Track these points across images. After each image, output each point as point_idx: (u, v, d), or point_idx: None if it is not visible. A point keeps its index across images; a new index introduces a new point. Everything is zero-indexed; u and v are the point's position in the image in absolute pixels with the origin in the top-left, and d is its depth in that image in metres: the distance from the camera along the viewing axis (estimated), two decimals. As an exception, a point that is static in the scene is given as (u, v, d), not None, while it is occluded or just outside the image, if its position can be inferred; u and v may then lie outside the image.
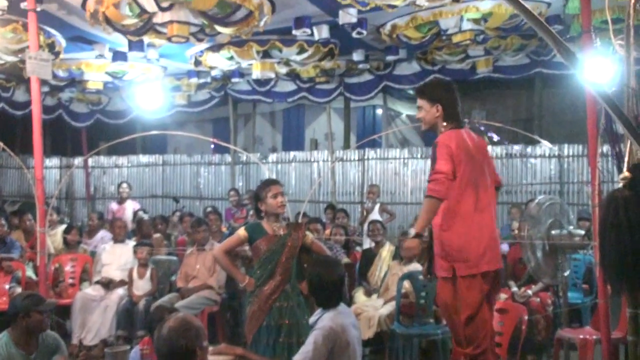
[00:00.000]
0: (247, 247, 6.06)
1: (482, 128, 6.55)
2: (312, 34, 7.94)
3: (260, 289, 4.67)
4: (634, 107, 3.01)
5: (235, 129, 13.45)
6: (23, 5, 6.33)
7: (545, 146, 10.30)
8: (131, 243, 7.87)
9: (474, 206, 4.02)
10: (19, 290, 6.97)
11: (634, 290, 2.90)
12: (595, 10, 5.84)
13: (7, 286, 7.24)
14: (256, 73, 9.28)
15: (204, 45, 8.63)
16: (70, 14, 7.51)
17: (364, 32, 7.68)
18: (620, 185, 2.76)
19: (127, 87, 11.48)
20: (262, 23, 7.23)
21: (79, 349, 7.07)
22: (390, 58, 9.72)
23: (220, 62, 9.24)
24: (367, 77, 10.99)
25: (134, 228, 9.38)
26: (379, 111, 14.23)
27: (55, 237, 8.70)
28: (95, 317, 7.15)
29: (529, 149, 10.95)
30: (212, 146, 14.07)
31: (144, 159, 14.76)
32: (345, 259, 7.55)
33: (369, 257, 7.39)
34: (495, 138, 7.51)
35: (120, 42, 8.32)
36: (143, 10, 6.70)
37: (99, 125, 13.20)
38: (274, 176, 12.17)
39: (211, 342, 3.22)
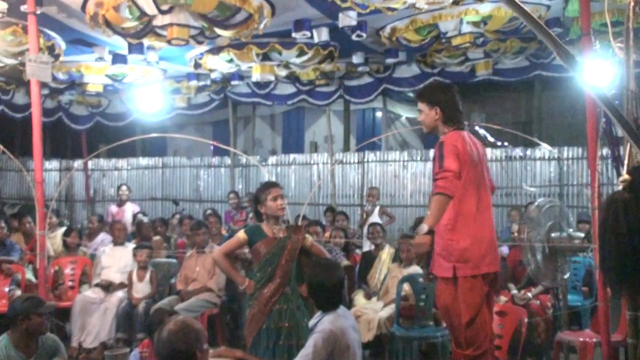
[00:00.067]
0: (246, 250, 6.06)
1: (481, 131, 6.56)
2: (311, 37, 7.95)
3: (260, 291, 4.67)
4: (634, 110, 3.02)
5: (235, 131, 13.46)
6: (23, 8, 6.33)
7: (544, 149, 10.31)
8: (131, 246, 7.87)
9: (477, 207, 4.05)
10: (18, 292, 6.97)
11: (633, 292, 2.90)
12: (594, 13, 5.86)
13: (6, 289, 7.23)
14: (256, 76, 9.29)
15: (203, 48, 8.64)
16: (70, 16, 7.52)
17: (364, 34, 7.69)
18: (620, 187, 2.76)
19: (127, 90, 11.49)
20: (261, 26, 7.24)
21: (79, 351, 7.06)
22: (389, 61, 9.73)
23: (220, 64, 9.25)
24: (367, 79, 11.00)
25: (134, 231, 9.37)
26: (379, 114, 14.24)
27: (54, 240, 8.70)
28: (94, 320, 7.15)
29: (528, 152, 10.96)
30: (212, 149, 14.07)
31: (143, 161, 14.76)
32: (344, 262, 7.55)
33: (369, 259, 7.39)
34: (491, 138, 7.52)
35: (120, 44, 8.33)
36: (143, 13, 6.70)
37: (99, 128, 13.21)
38: (273, 179, 12.17)
39: (211, 345, 3.22)
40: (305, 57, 8.75)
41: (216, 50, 8.70)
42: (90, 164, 14.62)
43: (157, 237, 8.60)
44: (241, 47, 8.45)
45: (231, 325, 7.53)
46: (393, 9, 6.75)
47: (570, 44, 7.69)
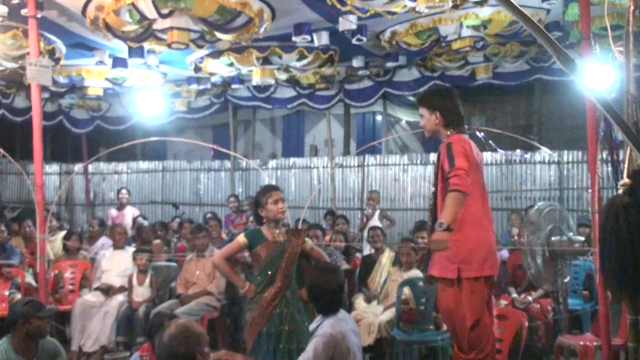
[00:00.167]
0: (246, 254, 6.06)
1: (481, 135, 6.56)
2: (312, 41, 7.96)
3: (260, 295, 4.67)
4: (634, 114, 3.02)
5: (235, 135, 13.46)
6: (23, 11, 6.35)
7: (545, 152, 10.31)
8: (131, 249, 7.87)
9: (482, 210, 4.10)
10: (18, 296, 6.96)
11: (634, 296, 2.90)
12: (594, 16, 5.87)
13: (6, 292, 7.23)
14: (256, 79, 9.30)
15: (204, 52, 8.65)
16: (70, 20, 7.54)
17: (364, 38, 7.70)
18: (620, 191, 2.76)
19: (127, 94, 11.51)
20: (262, 29, 7.25)
21: (79, 355, 7.07)
22: (390, 64, 9.74)
23: (220, 68, 9.27)
24: (367, 83, 11.02)
25: (134, 234, 9.37)
26: (379, 117, 14.24)
27: (54, 244, 8.70)
28: (94, 324, 7.14)
29: (528, 155, 10.96)
30: (212, 152, 14.06)
31: (143, 165, 14.75)
32: (345, 265, 7.54)
33: (369, 263, 7.39)
34: (493, 144, 7.52)
35: (121, 48, 8.34)
36: (143, 17, 6.72)
37: (99, 132, 13.22)
38: (273, 182, 12.16)
39: (211, 349, 3.22)
40: (305, 61, 8.76)
41: (216, 54, 8.71)
42: (90, 167, 14.61)
43: (157, 241, 8.59)
44: (241, 51, 8.47)
45: (231, 328, 7.52)
46: (393, 13, 6.76)
47: (570, 47, 7.70)
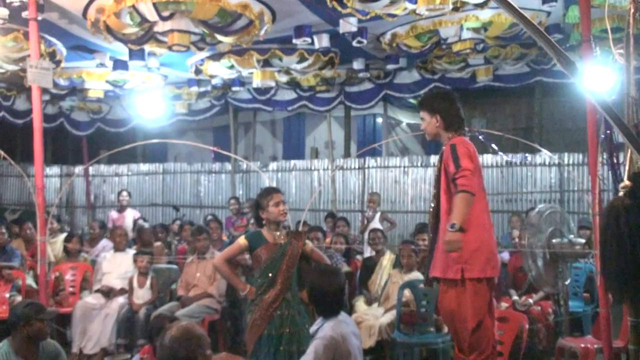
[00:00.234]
0: (247, 256, 6.06)
1: (482, 138, 6.57)
2: (312, 43, 7.97)
3: (261, 297, 4.66)
4: (634, 116, 3.02)
5: (235, 137, 13.46)
6: (24, 14, 6.35)
7: (545, 155, 10.30)
8: (131, 252, 7.87)
9: (484, 211, 4.13)
10: (19, 298, 6.96)
11: (635, 298, 2.89)
12: (595, 19, 5.86)
13: (7, 295, 7.22)
14: (256, 82, 9.31)
15: (204, 54, 8.66)
16: (71, 22, 7.54)
17: (364, 41, 7.70)
18: (621, 194, 2.76)
19: (127, 96, 11.52)
20: (262, 32, 7.26)
21: (79, 357, 7.06)
22: (390, 67, 9.75)
23: (220, 70, 9.27)
24: (368, 85, 11.03)
25: (135, 237, 9.37)
26: (379, 120, 14.24)
27: (55, 246, 8.70)
28: (95, 326, 7.14)
29: (529, 158, 10.95)
30: (213, 155, 14.06)
31: (144, 167, 14.75)
32: (345, 268, 7.54)
33: (370, 265, 7.39)
34: (495, 147, 7.53)
35: (121, 50, 8.35)
36: (144, 19, 6.73)
37: (100, 134, 13.23)
38: (274, 185, 12.16)
39: (212, 351, 3.21)
40: (306, 63, 8.77)
41: (217, 57, 8.72)
42: (91, 169, 14.62)
43: (157, 243, 8.59)
44: (242, 53, 8.47)
45: (232, 331, 7.51)
46: (393, 15, 6.76)
47: (570, 50, 7.71)
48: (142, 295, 7.30)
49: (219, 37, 7.32)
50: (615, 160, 4.05)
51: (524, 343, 5.07)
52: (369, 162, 12.41)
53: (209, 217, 10.22)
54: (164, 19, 6.64)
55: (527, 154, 10.84)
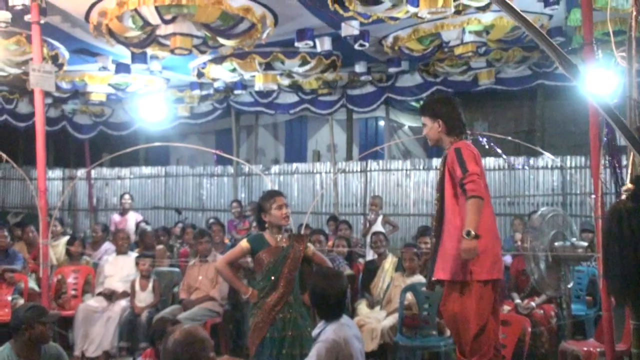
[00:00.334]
0: (249, 259, 6.06)
1: (485, 141, 6.56)
2: (314, 46, 7.98)
3: (263, 300, 4.66)
4: (636, 119, 3.02)
5: (237, 140, 13.46)
6: (27, 17, 6.37)
7: (547, 158, 10.29)
8: (133, 254, 7.87)
9: (490, 214, 4.15)
10: (21, 301, 6.96)
11: (638, 302, 2.89)
12: (597, 22, 5.88)
13: (9, 297, 7.23)
14: (259, 85, 9.32)
15: (206, 57, 8.67)
16: (73, 26, 7.56)
17: (366, 44, 7.71)
18: (624, 197, 2.76)
19: (130, 99, 11.54)
20: (264, 35, 7.27)
21: (81, 360, 7.07)
22: (392, 70, 9.75)
23: (222, 74, 9.28)
24: (370, 88, 11.03)
25: (137, 240, 9.37)
26: (382, 123, 14.24)
27: (57, 249, 8.70)
28: (97, 329, 7.14)
29: (531, 161, 10.95)
30: (215, 158, 14.07)
31: (146, 170, 14.75)
32: (347, 271, 7.54)
33: (372, 268, 7.38)
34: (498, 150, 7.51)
35: (124, 54, 8.37)
36: (146, 23, 6.74)
37: (102, 137, 13.24)
38: (276, 188, 12.16)
39: (214, 354, 3.22)
40: (308, 67, 8.78)
41: (219, 60, 8.73)
42: (93, 173, 14.62)
43: (160, 246, 8.60)
44: (244, 57, 8.48)
45: (234, 334, 7.51)
46: (395, 19, 6.77)
47: (572, 53, 7.70)
48: (144, 298, 7.30)
49: (221, 41, 7.32)
50: (616, 163, 4.06)
51: (526, 346, 5.06)
52: (371, 165, 12.40)
53: (211, 220, 10.21)
54: (166, 22, 6.65)
55: (528, 160, 10.84)
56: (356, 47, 7.78)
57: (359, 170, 12.49)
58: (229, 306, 7.29)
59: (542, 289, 5.88)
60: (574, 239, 5.69)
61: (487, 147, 6.11)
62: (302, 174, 13.12)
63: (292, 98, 11.56)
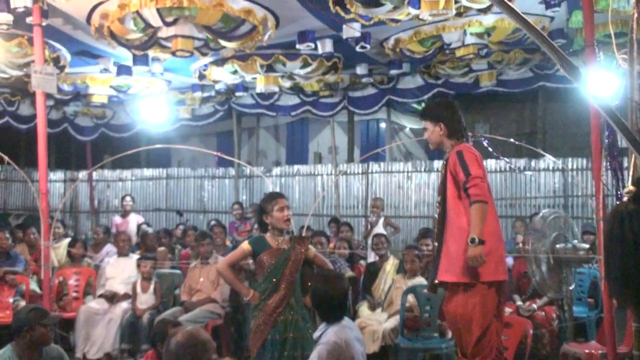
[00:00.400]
0: (250, 261, 6.06)
1: (486, 142, 6.56)
2: (315, 48, 7.98)
3: (264, 302, 4.66)
4: (638, 121, 3.02)
5: (239, 142, 13.46)
6: (29, 19, 6.38)
7: (549, 160, 10.29)
8: (135, 257, 7.88)
9: (493, 216, 4.16)
10: (23, 303, 6.97)
11: (639, 304, 2.89)
12: (598, 24, 5.87)
13: (11, 299, 7.23)
14: (260, 87, 9.32)
15: (208, 60, 8.67)
16: (75, 28, 7.57)
17: (368, 46, 7.71)
18: (625, 199, 2.76)
19: (131, 101, 11.55)
20: (266, 37, 7.27)
21: (83, 362, 7.07)
22: (393, 72, 9.75)
23: (224, 76, 9.29)
24: (371, 90, 11.02)
25: (138, 242, 9.38)
26: (383, 125, 14.24)
27: (59, 251, 8.70)
28: (99, 331, 7.15)
29: (532, 163, 10.95)
30: (216, 160, 14.07)
31: (148, 172, 14.76)
32: (349, 273, 7.53)
33: (373, 270, 7.37)
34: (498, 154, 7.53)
35: (125, 56, 8.37)
36: (148, 25, 6.74)
37: (104, 139, 13.25)
38: (277, 190, 12.16)
39: (215, 356, 3.21)
40: (309, 69, 8.78)
41: (220, 62, 8.73)
42: (94, 174, 14.62)
43: (161, 248, 8.60)
44: (245, 59, 8.49)
45: (235, 336, 7.51)
46: (397, 21, 6.77)
47: (574, 55, 7.69)
48: (145, 300, 7.30)
49: (223, 43, 7.33)
50: (617, 165, 4.05)
51: (528, 348, 5.05)
52: (372, 167, 12.40)
53: (213, 222, 10.23)
54: (167, 24, 6.66)
55: (530, 162, 10.83)
56: (357, 49, 7.78)
57: (360, 172, 12.49)
58: (230, 308, 7.29)
59: (543, 291, 5.87)
60: (576, 241, 5.69)
61: (490, 149, 6.09)
62: (303, 175, 13.11)
63: (293, 100, 11.56)
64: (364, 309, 7.03)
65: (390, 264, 7.28)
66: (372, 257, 8.09)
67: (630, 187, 2.78)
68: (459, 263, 4.04)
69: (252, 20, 6.77)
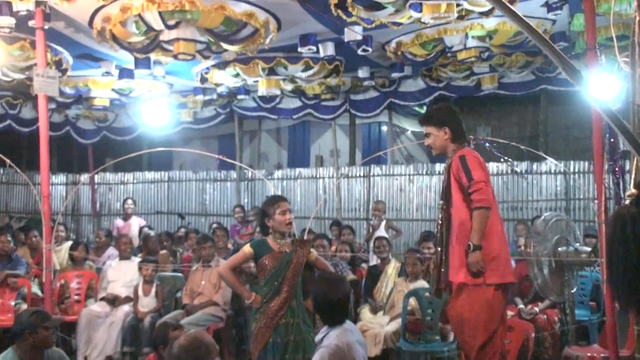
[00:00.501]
0: (251, 264, 6.07)
1: (488, 145, 6.56)
2: (317, 51, 7.98)
3: (266, 305, 4.66)
4: (639, 124, 3.02)
5: (240, 145, 13.47)
6: (31, 23, 6.39)
7: (551, 163, 10.29)
8: (137, 260, 7.87)
9: (497, 219, 4.19)
10: (24, 306, 6.97)
11: (642, 307, 2.88)
12: (600, 27, 5.87)
13: (12, 302, 7.23)
14: (262, 90, 9.33)
15: (210, 63, 8.68)
16: (77, 31, 7.58)
17: (369, 49, 7.71)
18: (627, 202, 2.75)
19: (133, 104, 11.56)
20: (267, 40, 7.28)
21: (84, 365, 7.06)
22: (395, 75, 9.75)
23: (226, 79, 9.29)
24: (373, 93, 11.03)
25: (140, 244, 9.38)
26: (384, 128, 14.25)
27: (60, 254, 8.71)
28: (100, 334, 7.14)
29: (534, 166, 10.95)
30: (218, 163, 14.08)
31: (149, 175, 14.78)
32: (351, 276, 7.53)
33: (375, 273, 7.37)
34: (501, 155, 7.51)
35: (127, 59, 8.38)
36: (150, 28, 6.75)
37: (106, 142, 13.27)
38: (279, 193, 12.17)
39: (217, 359, 3.21)
40: (311, 72, 8.78)
41: (222, 65, 8.74)
42: (96, 177, 14.64)
43: (163, 251, 8.59)
44: (247, 62, 8.49)
45: (237, 339, 7.51)
46: (398, 24, 6.77)
47: (576, 58, 7.70)
48: (147, 303, 7.30)
49: (225, 46, 7.33)
50: (617, 168, 4.05)
51: (530, 352, 5.05)
52: (374, 170, 12.40)
53: (215, 225, 10.23)
54: (169, 27, 6.67)
55: (526, 172, 10.83)
56: (359, 52, 7.78)
57: (361, 175, 12.49)
58: (231, 311, 7.29)
59: (545, 294, 5.86)
60: (578, 244, 5.68)
61: (494, 152, 6.09)
62: (305, 179, 13.13)
63: (295, 103, 11.56)
64: (365, 312, 7.02)
65: (392, 267, 7.28)
66: (373, 260, 8.09)
67: (632, 190, 2.78)
68: (465, 265, 4.04)
69: (254, 23, 6.78)
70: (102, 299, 7.52)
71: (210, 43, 7.22)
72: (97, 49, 8.09)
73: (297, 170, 13.36)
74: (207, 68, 8.98)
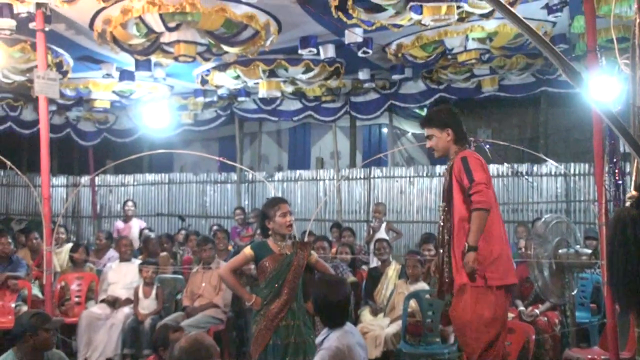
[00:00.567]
0: (252, 266, 6.07)
1: (488, 147, 6.56)
2: (318, 53, 7.98)
3: (267, 307, 4.66)
4: (640, 126, 3.01)
5: (241, 147, 13.47)
6: (32, 25, 6.40)
7: (551, 165, 10.29)
8: (137, 262, 7.88)
9: (499, 220, 4.18)
10: (25, 308, 6.97)
11: (642, 309, 2.88)
12: (600, 29, 5.87)
13: (13, 305, 7.24)
14: (262, 92, 9.33)
15: (210, 65, 8.68)
16: (78, 33, 7.58)
17: (370, 51, 7.72)
18: (628, 204, 2.75)
19: (134, 106, 11.56)
20: (268, 42, 7.28)
21: (85, 367, 7.06)
22: (395, 77, 9.75)
23: (226, 81, 9.29)
24: (373, 95, 11.03)
25: (140, 246, 9.38)
26: (385, 130, 14.25)
27: (61, 255, 8.71)
28: (101, 336, 7.14)
29: (535, 168, 10.95)
30: (218, 165, 14.08)
31: (150, 177, 14.77)
32: (351, 278, 7.52)
33: (375, 276, 7.37)
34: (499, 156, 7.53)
35: (128, 61, 8.39)
36: (150, 30, 6.76)
37: (106, 144, 13.26)
38: (279, 195, 12.17)
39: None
40: (311, 74, 8.78)
41: (223, 67, 8.74)
42: (97, 180, 14.64)
43: (163, 253, 8.60)
44: (248, 64, 8.49)
45: (237, 341, 7.51)
46: (399, 26, 6.78)
47: (576, 60, 7.70)
48: (147, 305, 7.30)
49: (225, 48, 7.34)
50: (617, 170, 4.06)
51: (531, 354, 5.05)
52: (374, 172, 12.40)
53: (215, 227, 10.22)
54: (170, 29, 6.67)
55: (530, 174, 10.83)
56: (359, 54, 7.79)
57: (362, 177, 12.49)
58: (232, 313, 7.29)
59: (546, 296, 5.86)
60: (578, 246, 5.68)
61: (494, 154, 6.09)
62: (305, 181, 13.12)
63: (295, 105, 11.56)
64: (366, 314, 7.02)
65: (393, 269, 7.28)
66: (374, 262, 8.09)
67: (633, 192, 2.78)
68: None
69: (255, 25, 6.78)
70: (103, 301, 7.52)
71: (211, 45, 7.22)
72: (98, 51, 8.09)
73: (298, 172, 13.36)
74: (208, 70, 8.99)
